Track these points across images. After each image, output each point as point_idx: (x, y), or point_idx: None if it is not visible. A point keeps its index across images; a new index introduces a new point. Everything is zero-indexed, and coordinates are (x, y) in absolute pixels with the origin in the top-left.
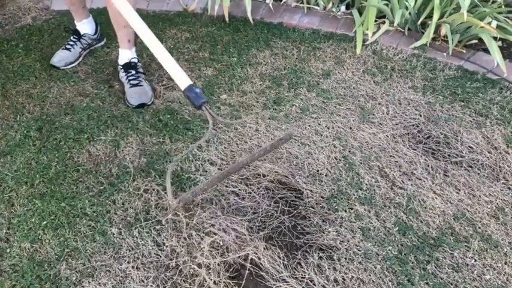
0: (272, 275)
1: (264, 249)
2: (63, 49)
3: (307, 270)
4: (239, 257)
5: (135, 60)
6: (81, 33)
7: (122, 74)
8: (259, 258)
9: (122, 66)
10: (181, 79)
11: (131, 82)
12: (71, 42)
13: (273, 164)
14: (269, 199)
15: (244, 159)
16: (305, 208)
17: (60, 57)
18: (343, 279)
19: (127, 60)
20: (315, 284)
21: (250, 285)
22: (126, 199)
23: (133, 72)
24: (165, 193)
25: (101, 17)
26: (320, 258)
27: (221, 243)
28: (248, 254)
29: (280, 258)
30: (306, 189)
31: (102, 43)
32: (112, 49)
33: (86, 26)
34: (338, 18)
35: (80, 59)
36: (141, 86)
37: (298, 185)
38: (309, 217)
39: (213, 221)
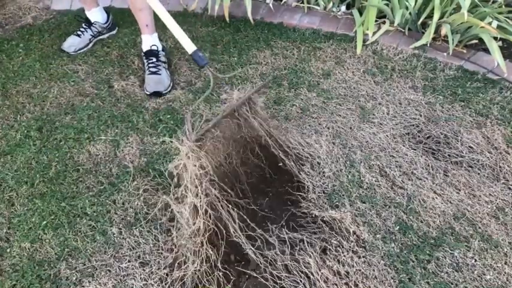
0: (274, 276)
1: (266, 246)
2: (73, 35)
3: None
4: (238, 254)
5: (156, 47)
6: (92, 21)
7: (144, 61)
8: (258, 256)
9: (144, 53)
10: (189, 44)
11: (150, 69)
12: (82, 29)
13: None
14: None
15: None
16: (306, 204)
17: (71, 43)
18: (347, 272)
19: (148, 47)
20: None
21: (250, 285)
22: (126, 199)
23: (154, 60)
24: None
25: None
26: (323, 250)
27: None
28: (247, 252)
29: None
30: (307, 187)
31: (114, 32)
32: (112, 49)
33: (96, 14)
34: (338, 18)
35: (90, 46)
36: (159, 74)
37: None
38: (310, 214)
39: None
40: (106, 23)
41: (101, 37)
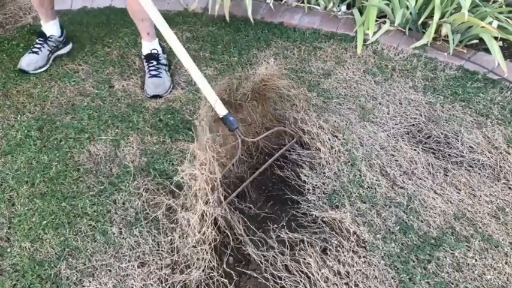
0: (274, 276)
1: (265, 246)
2: (30, 53)
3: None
4: (238, 254)
5: (156, 51)
6: (47, 34)
7: (144, 64)
8: (259, 256)
9: (144, 56)
10: (220, 108)
11: (151, 72)
12: (38, 45)
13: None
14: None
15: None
16: (307, 205)
17: (29, 61)
18: (347, 272)
19: (148, 51)
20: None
21: (251, 284)
22: (126, 198)
23: (154, 63)
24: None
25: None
26: (323, 250)
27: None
28: (247, 251)
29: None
30: (307, 187)
31: (69, 47)
32: (112, 49)
33: (52, 28)
34: (339, 18)
35: (49, 64)
36: (159, 77)
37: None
38: (310, 213)
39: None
40: (61, 36)
41: (58, 53)
